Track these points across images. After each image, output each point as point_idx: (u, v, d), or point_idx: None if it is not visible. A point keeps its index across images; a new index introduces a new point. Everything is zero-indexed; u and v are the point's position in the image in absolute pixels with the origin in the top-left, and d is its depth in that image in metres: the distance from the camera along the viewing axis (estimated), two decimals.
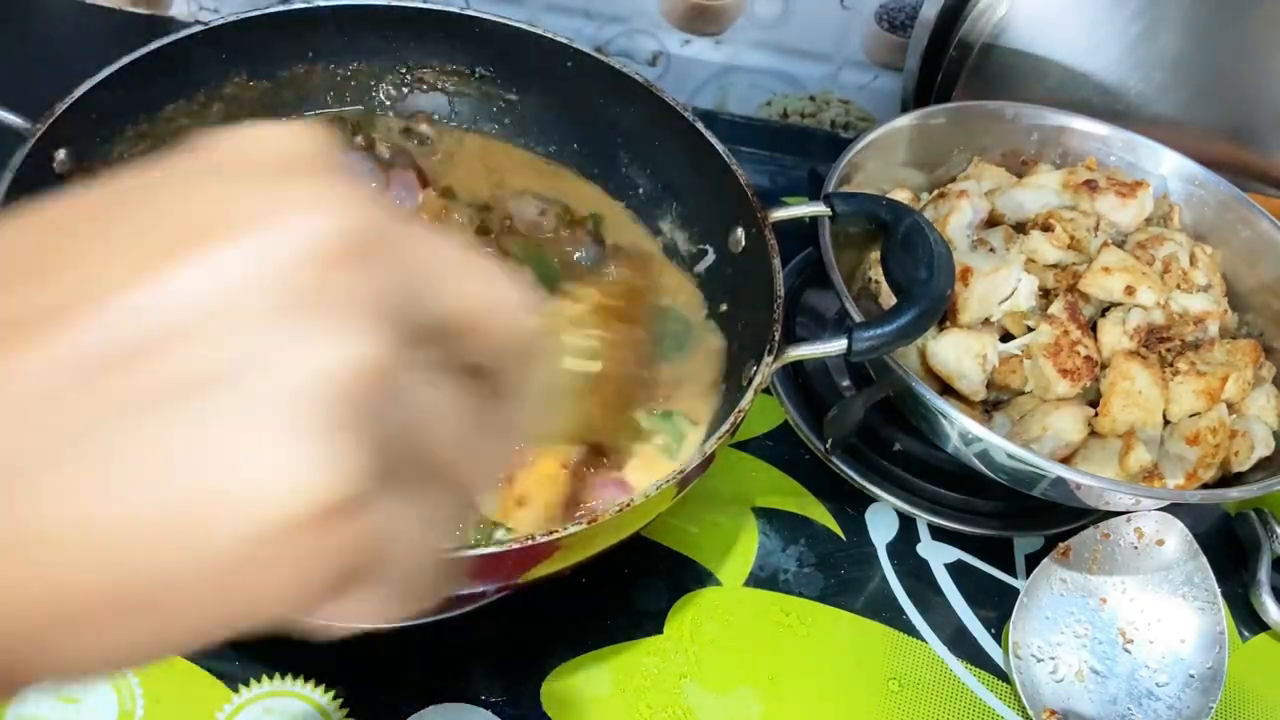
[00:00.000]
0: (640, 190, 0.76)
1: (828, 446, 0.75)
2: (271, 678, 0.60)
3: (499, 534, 0.59)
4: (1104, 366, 0.73)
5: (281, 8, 0.70)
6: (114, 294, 0.21)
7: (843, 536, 0.74)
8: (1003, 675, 0.69)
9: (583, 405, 0.60)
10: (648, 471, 0.63)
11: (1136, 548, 0.70)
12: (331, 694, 0.60)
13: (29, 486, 0.20)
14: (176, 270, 0.21)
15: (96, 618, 0.21)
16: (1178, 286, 0.77)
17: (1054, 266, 0.76)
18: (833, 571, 0.72)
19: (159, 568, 0.21)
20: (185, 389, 0.21)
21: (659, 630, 0.66)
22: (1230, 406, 0.73)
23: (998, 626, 0.71)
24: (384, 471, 0.22)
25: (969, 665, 0.69)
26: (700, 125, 0.70)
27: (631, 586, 0.68)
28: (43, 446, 0.20)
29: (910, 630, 0.70)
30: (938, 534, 0.75)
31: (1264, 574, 0.76)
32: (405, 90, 0.77)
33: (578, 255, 0.72)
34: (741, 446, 0.76)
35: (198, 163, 0.25)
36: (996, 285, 0.74)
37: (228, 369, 0.21)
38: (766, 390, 0.74)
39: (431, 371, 0.25)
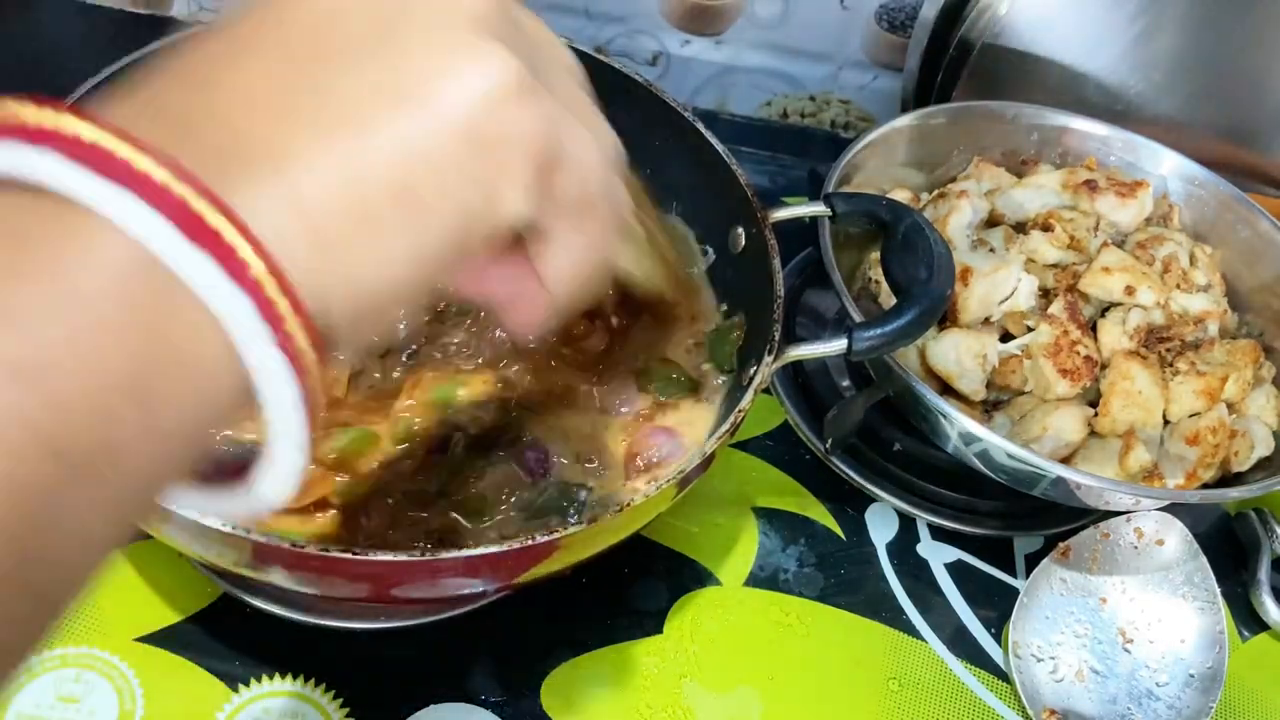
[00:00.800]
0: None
1: (828, 446, 0.75)
2: (271, 678, 0.60)
3: (581, 495, 0.60)
4: (1104, 366, 0.73)
5: None
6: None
7: (843, 536, 0.74)
8: (1003, 675, 0.69)
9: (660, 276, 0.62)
10: (689, 423, 0.65)
11: (1136, 548, 0.70)
12: (331, 694, 0.60)
13: (307, 117, 0.27)
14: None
15: (381, 220, 0.27)
16: (1178, 286, 0.77)
17: (1054, 266, 0.76)
18: (833, 571, 0.72)
19: (418, 158, 0.28)
20: (381, 30, 0.28)
21: (659, 630, 0.66)
22: (1230, 406, 0.73)
23: (998, 626, 0.71)
24: (532, 70, 0.29)
25: (969, 665, 0.69)
26: (700, 125, 0.70)
27: (631, 586, 0.68)
28: (312, 88, 0.27)
29: (910, 630, 0.70)
30: (938, 534, 0.75)
31: (1264, 574, 0.76)
32: None
33: None
34: (741, 446, 0.76)
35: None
36: (996, 285, 0.74)
37: (406, 12, 0.28)
38: (766, 390, 0.74)
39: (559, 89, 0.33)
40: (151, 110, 0.26)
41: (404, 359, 0.63)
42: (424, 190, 0.28)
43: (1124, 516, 0.70)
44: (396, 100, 0.27)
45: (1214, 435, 0.71)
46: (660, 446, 0.63)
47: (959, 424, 0.66)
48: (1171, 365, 0.74)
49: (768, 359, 0.59)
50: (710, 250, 0.72)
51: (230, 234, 0.24)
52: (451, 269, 0.29)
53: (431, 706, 0.61)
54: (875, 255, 0.76)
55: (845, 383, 0.80)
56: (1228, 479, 0.73)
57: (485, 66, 0.28)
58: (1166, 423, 0.73)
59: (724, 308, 0.71)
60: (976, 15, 0.87)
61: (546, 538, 0.50)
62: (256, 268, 0.24)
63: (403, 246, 0.28)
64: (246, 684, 0.60)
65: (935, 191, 0.83)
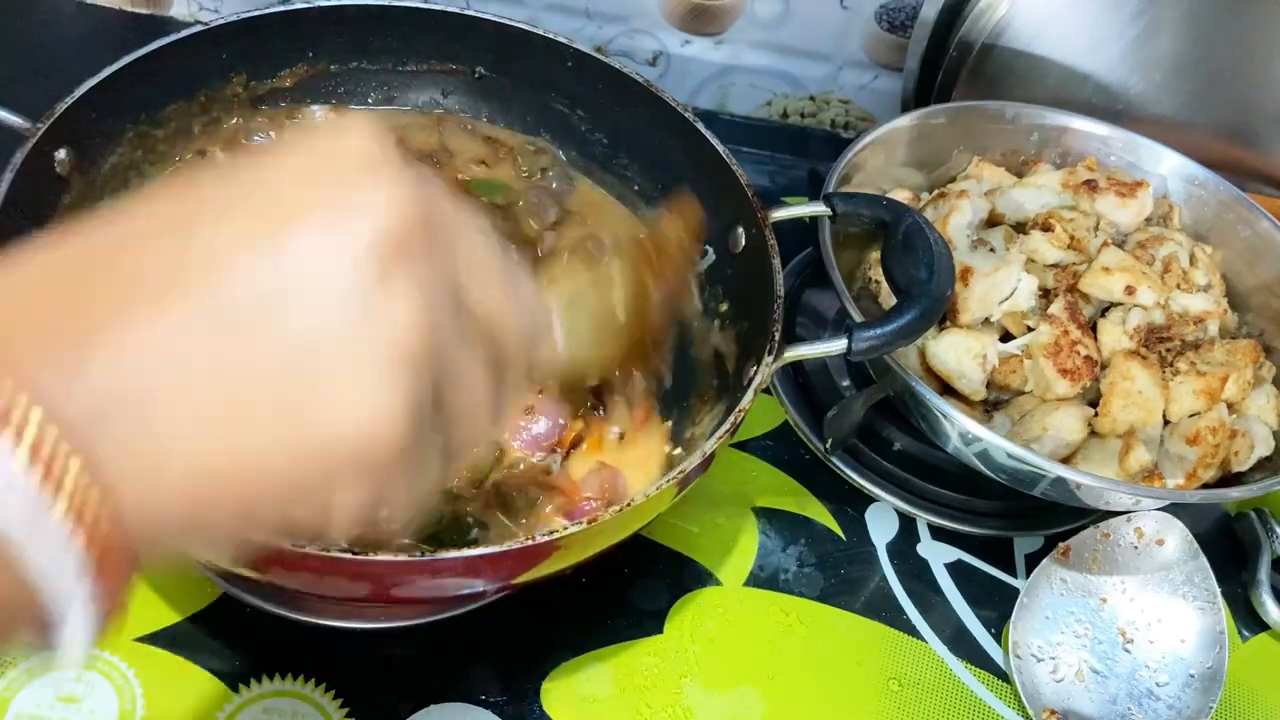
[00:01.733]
0: (640, 190, 0.76)
1: (828, 446, 0.75)
2: (271, 678, 0.60)
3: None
4: (1104, 366, 0.73)
5: (281, 8, 0.71)
6: (237, 258, 0.27)
7: (843, 536, 0.74)
8: (1003, 675, 0.69)
9: (610, 345, 0.61)
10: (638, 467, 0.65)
11: (1136, 548, 0.70)
12: (331, 694, 0.60)
13: (179, 419, 0.26)
14: (284, 243, 0.27)
15: (213, 511, 0.27)
16: (1178, 286, 0.77)
17: (1054, 266, 0.76)
18: (833, 571, 0.72)
19: (268, 471, 0.27)
20: (285, 345, 0.27)
21: (659, 630, 0.66)
22: (1230, 406, 0.73)
23: (998, 626, 0.71)
24: (424, 410, 0.29)
25: (969, 665, 0.69)
26: (700, 125, 0.70)
27: (631, 586, 0.68)
28: (185, 387, 0.26)
29: (910, 630, 0.70)
30: (938, 534, 0.75)
31: (1264, 574, 0.76)
32: (405, 90, 0.77)
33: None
34: (741, 446, 0.76)
35: (289, 156, 0.30)
36: (996, 285, 0.74)
37: (320, 330, 0.27)
38: (766, 390, 0.74)
39: (461, 344, 0.31)
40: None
41: None
42: (251, 397, 0.27)
43: (1124, 516, 0.70)
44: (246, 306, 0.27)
45: (1214, 435, 0.71)
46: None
47: (959, 424, 0.66)
48: (1171, 365, 0.74)
49: (768, 359, 0.59)
50: (710, 250, 0.72)
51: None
52: (301, 495, 0.29)
53: (431, 706, 0.61)
54: (875, 255, 0.76)
55: (845, 383, 0.80)
56: (1228, 479, 0.73)
57: (375, 416, 0.28)
58: (1166, 423, 0.73)
59: (724, 307, 0.71)
60: (976, 15, 0.87)
61: (546, 538, 0.50)
62: (34, 434, 0.24)
63: (217, 449, 0.27)
64: (246, 684, 0.60)
65: (935, 191, 0.83)
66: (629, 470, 0.65)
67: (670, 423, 0.68)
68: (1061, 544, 0.70)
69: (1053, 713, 0.66)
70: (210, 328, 0.27)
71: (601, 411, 0.67)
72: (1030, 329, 0.74)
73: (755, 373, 0.59)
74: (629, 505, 0.52)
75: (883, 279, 0.67)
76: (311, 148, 0.30)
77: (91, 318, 0.26)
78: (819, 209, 0.67)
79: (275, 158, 0.30)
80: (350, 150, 0.29)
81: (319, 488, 0.28)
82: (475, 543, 0.58)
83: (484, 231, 0.32)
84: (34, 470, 0.24)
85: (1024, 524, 0.77)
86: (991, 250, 0.76)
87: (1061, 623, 0.69)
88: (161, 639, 0.60)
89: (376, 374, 0.27)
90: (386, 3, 0.73)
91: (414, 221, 0.28)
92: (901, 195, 0.81)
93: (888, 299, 0.71)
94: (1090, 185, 0.81)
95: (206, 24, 0.68)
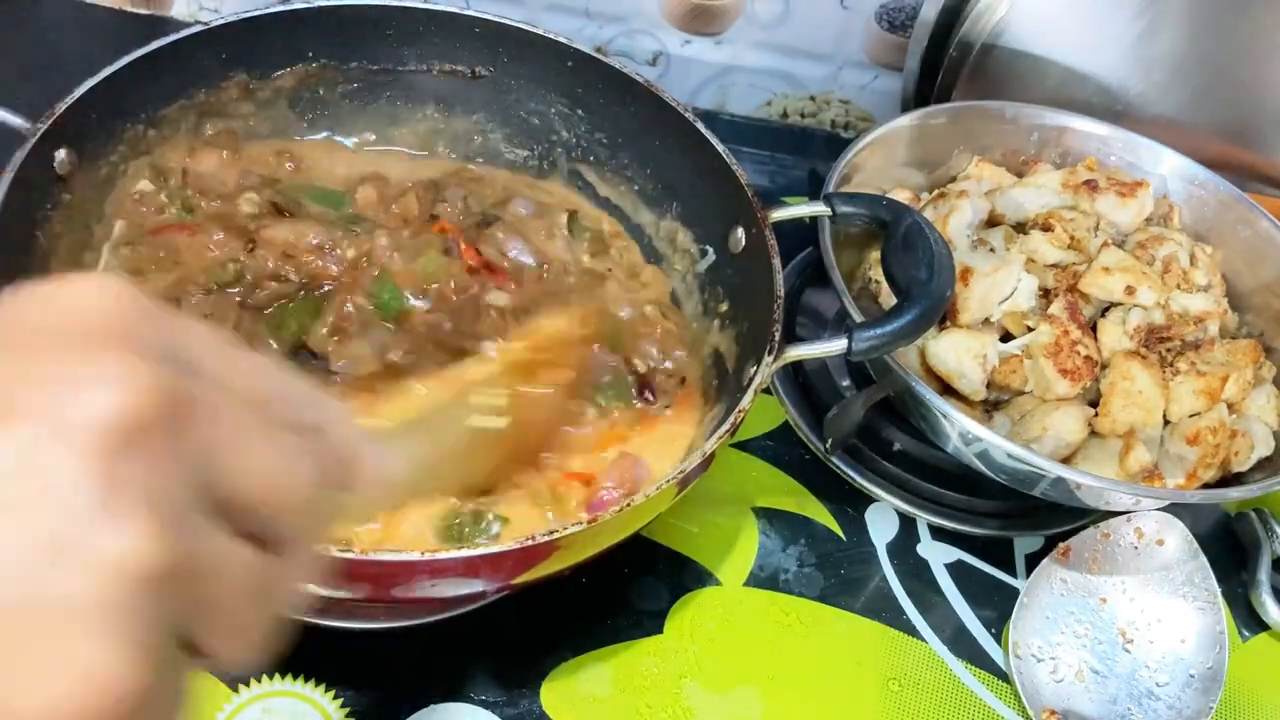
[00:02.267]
0: (640, 190, 0.76)
1: (828, 446, 0.75)
2: (271, 678, 0.60)
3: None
4: (1104, 366, 0.73)
5: (281, 8, 0.70)
6: None
7: (843, 536, 0.74)
8: (1003, 675, 0.69)
9: (482, 459, 0.60)
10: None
11: (1136, 548, 0.70)
12: (331, 694, 0.60)
13: None
14: None
15: None
16: (1178, 286, 0.77)
17: (1054, 266, 0.76)
18: (833, 571, 0.72)
19: None
20: None
21: (659, 630, 0.66)
22: (1230, 406, 0.73)
23: (998, 626, 0.71)
24: (160, 656, 0.23)
25: (969, 665, 0.69)
26: (700, 125, 0.70)
27: (631, 586, 0.68)
28: None
29: (910, 630, 0.70)
30: (938, 534, 0.75)
31: (1264, 574, 0.76)
32: (404, 90, 0.77)
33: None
34: (741, 446, 0.76)
35: None
36: (996, 285, 0.74)
37: (14, 570, 0.21)
38: (766, 390, 0.74)
39: (220, 540, 0.25)
40: None
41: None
42: None
43: (1124, 516, 0.70)
44: None
45: (1214, 435, 0.71)
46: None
47: (959, 424, 0.66)
48: (1172, 365, 0.74)
49: (768, 359, 0.59)
50: (710, 250, 0.72)
51: None
52: None
53: (431, 706, 0.61)
54: (875, 255, 0.76)
55: (845, 383, 0.80)
56: (1228, 479, 0.73)
57: (91, 680, 0.22)
58: (1166, 423, 0.73)
59: (724, 307, 0.71)
60: (976, 15, 0.87)
61: (546, 538, 0.50)
62: None
63: None
64: (246, 684, 0.59)
65: (935, 191, 0.83)
66: (651, 458, 0.65)
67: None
68: (1061, 544, 0.70)
69: (1053, 713, 0.66)
70: None
71: (650, 396, 0.67)
72: (1030, 329, 0.74)
73: (755, 373, 0.59)
74: (629, 505, 0.52)
75: (883, 279, 0.67)
76: (21, 308, 0.24)
77: None
78: (819, 209, 0.67)
79: None
80: (71, 310, 0.24)
81: None
82: (497, 537, 0.59)
83: (262, 376, 0.27)
84: None
85: (1024, 524, 0.77)
86: (991, 250, 0.76)
87: (1061, 623, 0.69)
88: None
89: (90, 623, 0.21)
90: (386, 3, 0.73)
91: (150, 408, 0.23)
92: (901, 195, 0.81)
93: (888, 299, 0.71)
94: (1090, 185, 0.81)
95: (206, 24, 0.68)
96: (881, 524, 0.75)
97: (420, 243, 0.69)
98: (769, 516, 0.73)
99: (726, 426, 0.56)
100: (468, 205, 0.74)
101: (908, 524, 0.75)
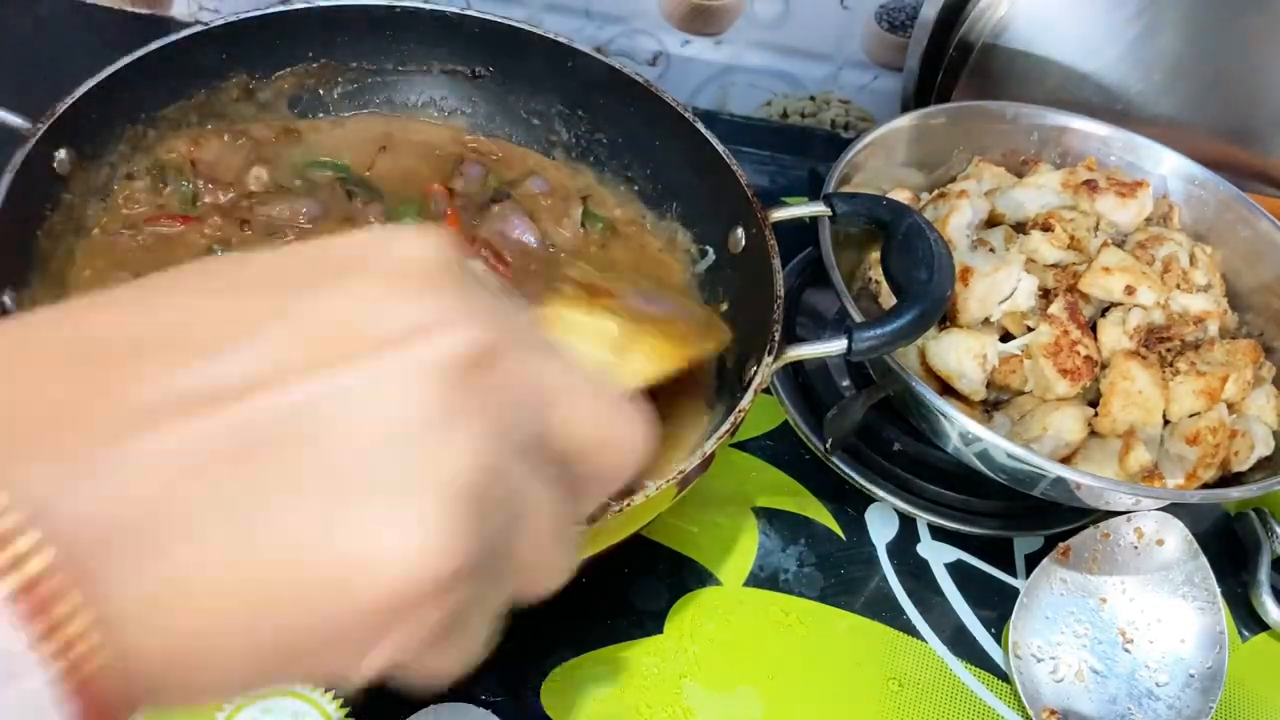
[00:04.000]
0: (640, 190, 0.76)
1: (828, 446, 0.75)
2: None
3: None
4: (1104, 366, 0.73)
5: (281, 8, 0.70)
6: (271, 389, 0.23)
7: (843, 536, 0.74)
8: (1003, 675, 0.69)
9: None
10: None
11: (1136, 548, 0.70)
12: (331, 694, 0.60)
13: (193, 550, 0.22)
14: (325, 378, 0.24)
15: (228, 657, 0.23)
16: (1178, 286, 0.77)
17: (1054, 266, 0.76)
18: (833, 571, 0.72)
19: (287, 622, 0.23)
20: (326, 477, 0.23)
21: (659, 630, 0.66)
22: (1230, 406, 0.73)
23: (998, 626, 0.71)
24: (482, 557, 0.25)
25: (969, 665, 0.69)
26: (700, 125, 0.70)
27: (631, 586, 0.68)
28: (201, 513, 0.22)
29: (910, 630, 0.70)
30: (938, 534, 0.75)
31: (1264, 574, 0.76)
32: (405, 90, 0.77)
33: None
34: (741, 446, 0.76)
35: (327, 263, 0.26)
36: (996, 285, 0.74)
37: (363, 460, 0.23)
38: (766, 390, 0.74)
39: (540, 475, 0.27)
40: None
41: None
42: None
43: (1124, 516, 0.70)
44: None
45: (1214, 435, 0.71)
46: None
47: (959, 424, 0.66)
48: (1171, 365, 0.74)
49: (768, 359, 0.59)
50: (710, 250, 0.72)
51: None
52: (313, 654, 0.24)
53: (431, 706, 0.61)
54: (875, 255, 0.76)
55: (845, 383, 0.80)
56: (1228, 479, 0.73)
57: (424, 558, 0.24)
58: (1166, 423, 0.73)
59: (724, 307, 0.71)
60: (976, 15, 0.87)
61: None
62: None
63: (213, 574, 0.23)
64: None
65: (935, 191, 0.83)
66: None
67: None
68: (1061, 544, 0.70)
69: (1053, 713, 0.66)
70: (234, 446, 0.23)
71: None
72: (1030, 329, 0.74)
73: (755, 373, 0.59)
74: (628, 505, 0.52)
75: (883, 279, 0.67)
76: (365, 253, 0.26)
77: (93, 420, 0.22)
78: (819, 209, 0.67)
79: (320, 262, 0.26)
80: (410, 260, 0.26)
81: (346, 633, 0.24)
82: None
83: (566, 354, 0.28)
84: (23, 604, 0.20)
85: (1024, 524, 0.77)
86: (991, 250, 0.76)
87: (1061, 623, 0.69)
88: None
89: (422, 508, 0.23)
90: (386, 3, 0.73)
91: (484, 346, 0.25)
92: (901, 195, 0.81)
93: (888, 299, 0.71)
94: (1090, 185, 0.81)
95: (206, 24, 0.68)
96: (881, 524, 0.75)
97: (405, 212, 0.69)
98: (769, 516, 0.73)
99: (726, 426, 0.56)
100: (486, 182, 0.73)
101: (907, 524, 0.75)
